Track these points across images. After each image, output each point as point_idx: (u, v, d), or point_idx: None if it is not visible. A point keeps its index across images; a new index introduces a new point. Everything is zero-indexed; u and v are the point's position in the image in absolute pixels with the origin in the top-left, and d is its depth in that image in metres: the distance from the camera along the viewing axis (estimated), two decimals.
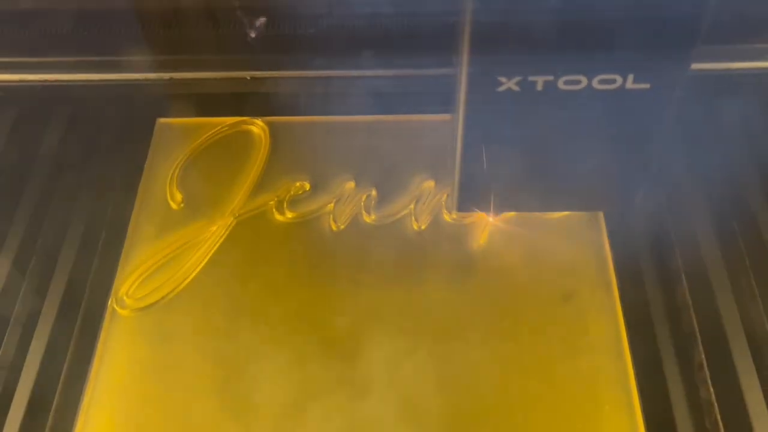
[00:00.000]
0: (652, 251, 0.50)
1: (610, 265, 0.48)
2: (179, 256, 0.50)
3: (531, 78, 0.32)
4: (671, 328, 0.46)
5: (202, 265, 0.50)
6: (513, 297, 0.47)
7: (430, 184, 0.53)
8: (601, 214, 0.50)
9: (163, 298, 0.48)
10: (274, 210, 0.52)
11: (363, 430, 0.43)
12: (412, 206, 0.52)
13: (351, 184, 0.53)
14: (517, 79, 0.32)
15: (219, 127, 0.56)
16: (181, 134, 0.56)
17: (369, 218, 0.51)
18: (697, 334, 0.46)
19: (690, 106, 0.39)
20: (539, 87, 0.32)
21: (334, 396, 0.44)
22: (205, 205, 0.52)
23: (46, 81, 0.50)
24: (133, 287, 0.49)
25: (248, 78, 0.43)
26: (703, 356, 0.45)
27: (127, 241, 0.51)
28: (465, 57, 0.32)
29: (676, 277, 0.48)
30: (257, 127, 0.56)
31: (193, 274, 0.49)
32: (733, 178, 0.52)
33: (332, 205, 0.52)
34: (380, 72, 0.56)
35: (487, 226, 0.50)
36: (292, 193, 0.53)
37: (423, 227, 0.51)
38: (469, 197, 0.40)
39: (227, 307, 0.47)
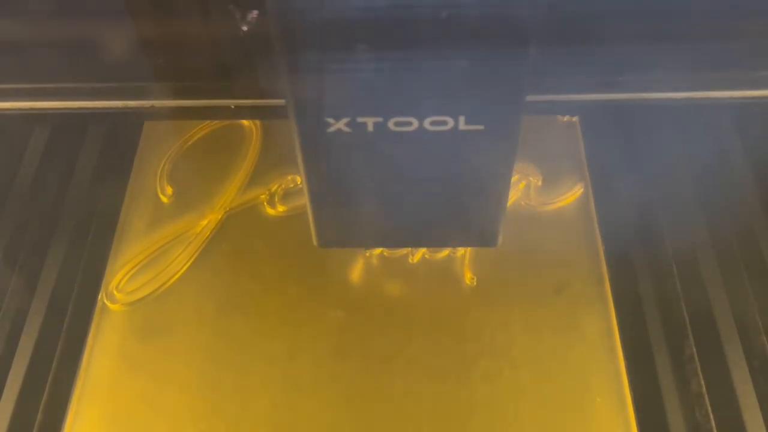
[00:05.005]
0: (644, 243, 0.50)
1: (601, 257, 0.48)
2: (170, 250, 0.50)
3: (359, 119, 0.30)
4: (662, 320, 0.46)
5: (193, 258, 0.49)
6: (505, 289, 0.47)
7: None
8: (592, 206, 0.50)
9: (153, 292, 0.48)
10: (265, 204, 0.52)
11: (354, 423, 0.43)
12: None
13: None
14: (346, 120, 0.30)
15: (210, 120, 0.56)
16: (172, 127, 0.56)
17: None
18: (688, 326, 0.46)
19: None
20: (370, 128, 0.31)
21: (326, 389, 0.44)
22: (196, 198, 0.52)
23: (23, 109, 0.50)
24: (123, 281, 0.48)
25: (232, 107, 0.42)
26: (693, 348, 0.45)
27: (117, 234, 0.50)
28: (290, 100, 0.30)
29: (667, 269, 0.48)
30: (248, 120, 0.56)
31: (184, 268, 0.49)
32: (724, 170, 0.52)
33: None
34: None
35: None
36: (283, 186, 0.53)
37: None
38: (327, 235, 0.39)
39: (218, 301, 0.47)
